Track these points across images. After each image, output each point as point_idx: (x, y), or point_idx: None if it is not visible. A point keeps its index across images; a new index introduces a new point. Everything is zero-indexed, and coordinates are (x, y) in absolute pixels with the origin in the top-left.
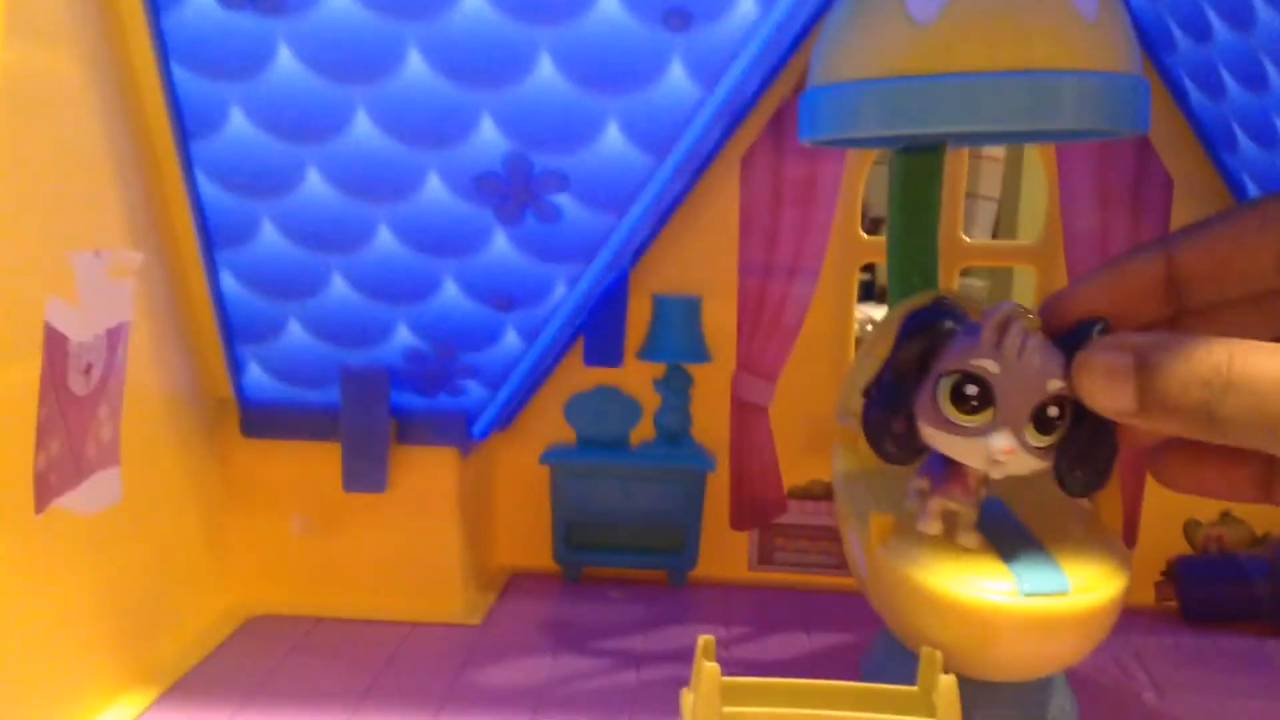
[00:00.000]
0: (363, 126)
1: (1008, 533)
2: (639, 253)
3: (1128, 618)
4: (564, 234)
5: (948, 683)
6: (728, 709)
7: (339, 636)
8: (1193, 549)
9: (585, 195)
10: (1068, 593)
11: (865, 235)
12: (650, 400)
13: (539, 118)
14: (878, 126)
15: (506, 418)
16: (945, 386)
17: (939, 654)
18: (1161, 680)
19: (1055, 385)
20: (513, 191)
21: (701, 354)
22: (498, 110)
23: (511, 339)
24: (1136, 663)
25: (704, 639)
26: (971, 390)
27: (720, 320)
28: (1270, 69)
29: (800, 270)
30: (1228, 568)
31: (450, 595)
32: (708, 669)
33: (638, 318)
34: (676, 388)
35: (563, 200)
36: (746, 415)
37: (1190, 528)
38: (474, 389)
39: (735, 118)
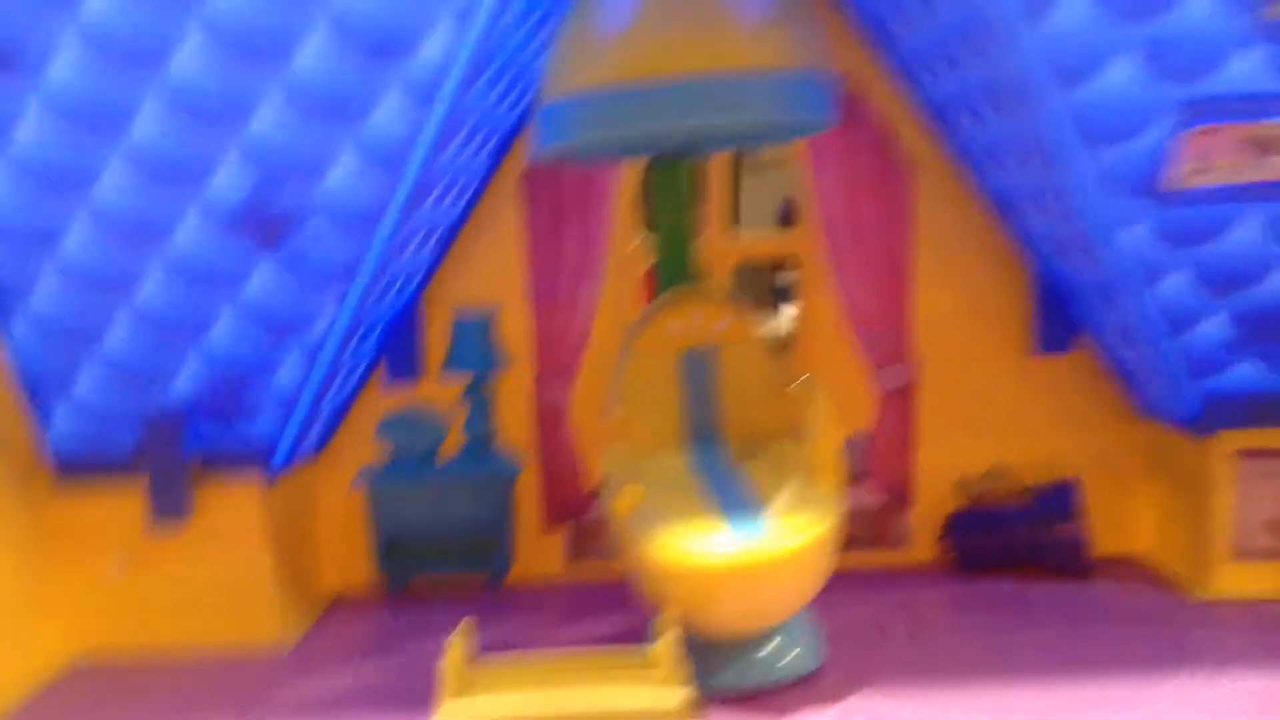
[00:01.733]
0: (116, 173)
1: (732, 490)
2: (430, 275)
3: (911, 574)
4: (320, 259)
5: (666, 640)
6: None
7: (161, 669)
8: (966, 503)
9: (333, 221)
10: (766, 541)
11: (640, 242)
12: (458, 414)
13: (276, 152)
14: (589, 135)
15: (316, 446)
16: None
17: (673, 615)
18: (922, 627)
19: None
20: (265, 222)
21: (500, 364)
22: (240, 148)
23: (292, 365)
24: (902, 613)
25: (462, 624)
26: None
27: (517, 331)
28: (981, 46)
29: (585, 277)
30: (993, 519)
31: (266, 619)
32: (451, 644)
33: (438, 336)
34: (479, 399)
35: (313, 228)
36: (549, 419)
37: (963, 483)
38: (267, 417)
39: (505, 136)
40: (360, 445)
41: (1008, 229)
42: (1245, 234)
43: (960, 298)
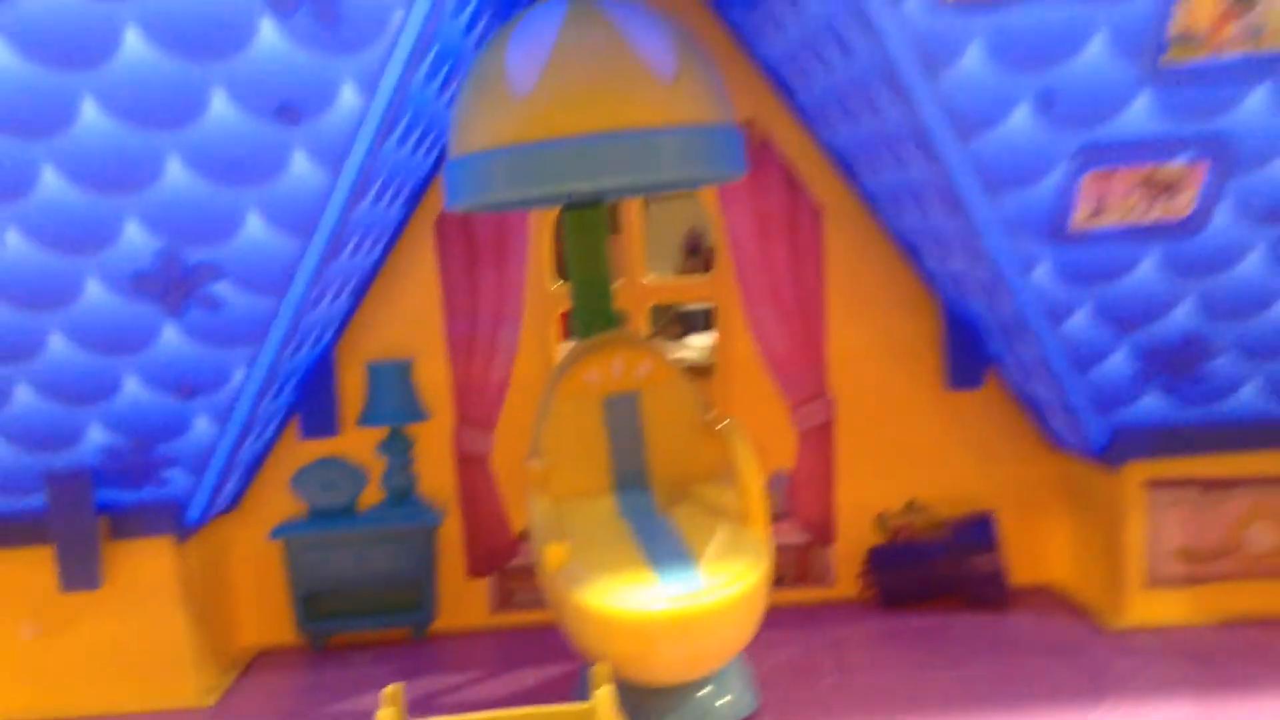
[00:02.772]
0: (14, 241)
1: (661, 538)
2: (344, 325)
3: (835, 610)
4: (229, 320)
5: (603, 694)
6: None
7: None
8: (885, 539)
9: (242, 281)
10: (701, 592)
11: (557, 286)
12: (377, 465)
13: (182, 215)
14: (498, 193)
15: (230, 500)
16: None
17: (608, 667)
18: (849, 663)
19: None
20: (170, 286)
21: (418, 414)
22: (141, 212)
23: (203, 425)
24: (828, 651)
25: (389, 690)
26: None
27: (435, 379)
28: (882, 95)
29: (503, 322)
30: (912, 553)
31: (183, 680)
32: (381, 714)
33: (354, 387)
34: (398, 449)
35: (221, 289)
36: (471, 467)
37: (882, 519)
38: (179, 477)
39: (418, 184)
40: (278, 498)
41: (917, 269)
42: (1144, 272)
43: (873, 336)
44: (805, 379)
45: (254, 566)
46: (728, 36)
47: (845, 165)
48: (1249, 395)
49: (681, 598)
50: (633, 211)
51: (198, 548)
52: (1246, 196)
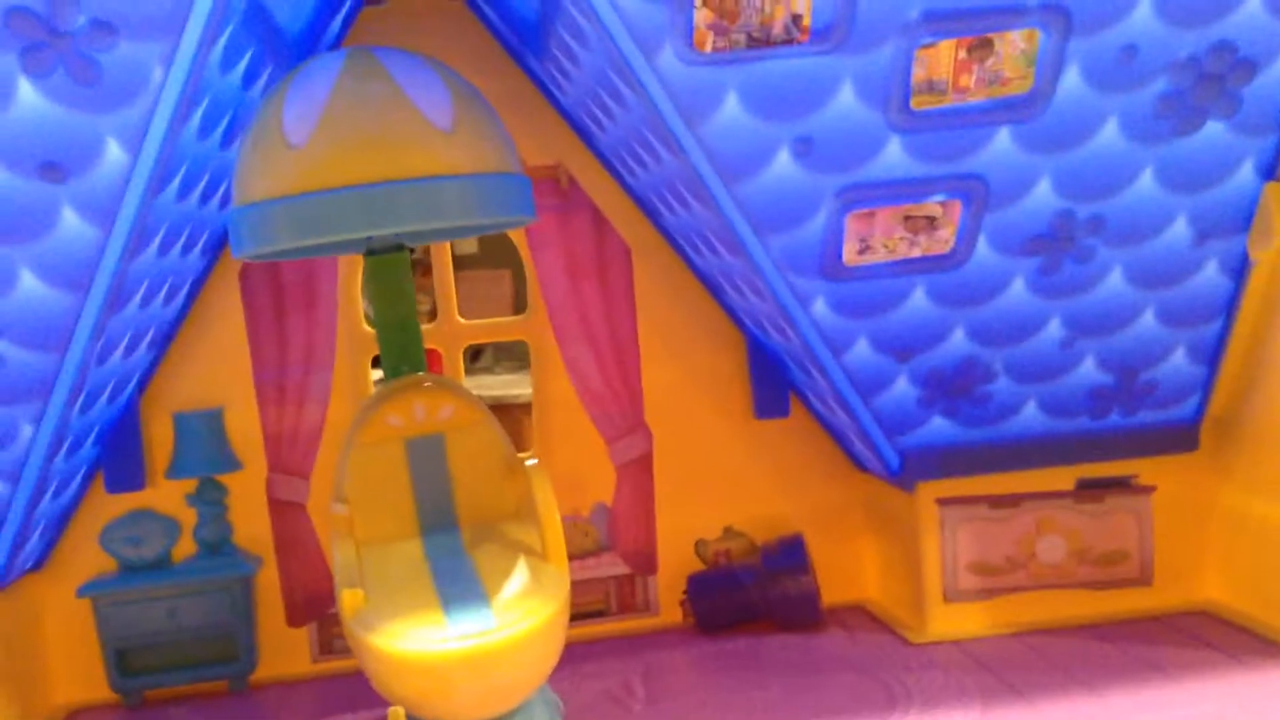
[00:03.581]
0: None
1: (459, 579)
2: (148, 376)
3: (657, 639)
4: (10, 377)
5: None
6: None
7: None
8: (704, 565)
9: (18, 338)
10: (492, 629)
11: (369, 328)
12: (189, 516)
13: None
14: (279, 242)
15: (37, 558)
16: None
17: (402, 711)
18: (659, 690)
19: None
20: None
21: (230, 463)
22: None
23: None
24: (639, 679)
25: None
26: None
27: (246, 427)
28: (655, 144)
29: (314, 368)
30: (726, 579)
31: None
32: None
33: (163, 438)
34: (210, 499)
35: (0, 346)
36: (286, 514)
37: (700, 546)
38: None
39: (217, 233)
40: (89, 553)
41: (720, 305)
42: (915, 303)
43: (684, 370)
44: (621, 413)
45: (66, 624)
46: (530, 85)
47: (646, 207)
48: (1029, 415)
49: (471, 635)
50: (444, 254)
51: (4, 607)
52: (1002, 230)
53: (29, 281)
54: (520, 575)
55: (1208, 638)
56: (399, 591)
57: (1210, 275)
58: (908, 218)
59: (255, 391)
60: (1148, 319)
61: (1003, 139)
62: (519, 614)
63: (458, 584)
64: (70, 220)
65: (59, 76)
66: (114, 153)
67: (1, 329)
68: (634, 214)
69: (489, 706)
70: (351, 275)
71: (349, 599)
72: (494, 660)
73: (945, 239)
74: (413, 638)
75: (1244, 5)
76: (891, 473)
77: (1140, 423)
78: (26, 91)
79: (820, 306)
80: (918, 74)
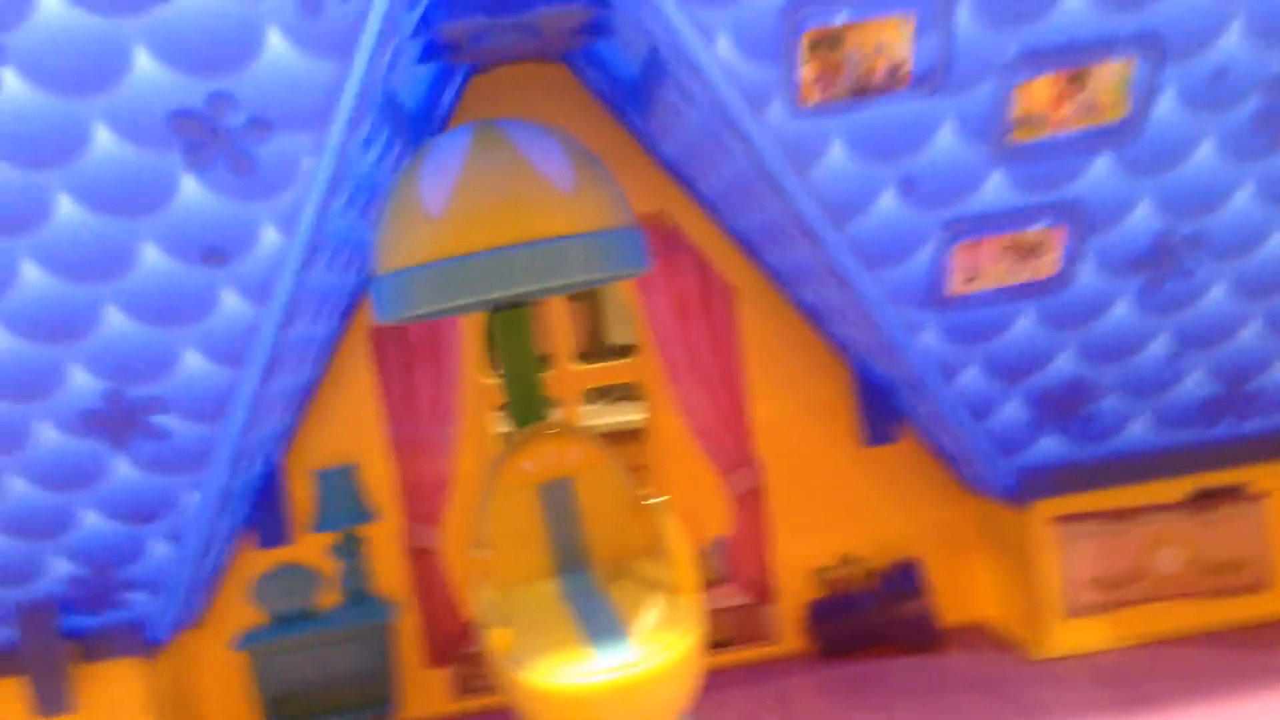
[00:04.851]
0: None
1: (599, 615)
2: (289, 438)
3: (780, 666)
4: (176, 447)
5: None
6: None
7: None
8: (824, 593)
9: (184, 411)
10: (635, 662)
11: (492, 381)
12: (331, 566)
13: (122, 357)
14: (420, 305)
15: (191, 616)
16: None
17: None
18: (792, 714)
19: None
20: (117, 420)
21: (368, 515)
22: (83, 358)
23: (160, 547)
24: (776, 703)
25: None
26: None
27: (381, 480)
28: (763, 190)
29: (442, 419)
30: (846, 605)
31: None
32: None
33: (304, 495)
34: (350, 550)
35: (167, 420)
36: (422, 561)
37: (819, 574)
38: (142, 599)
39: (350, 297)
40: (238, 608)
41: (825, 337)
42: (1023, 327)
43: (792, 402)
44: (732, 447)
45: (221, 676)
46: (631, 137)
47: (750, 247)
48: (1139, 430)
49: (616, 669)
50: (559, 306)
51: (166, 664)
52: (1106, 251)
53: (193, 360)
54: (656, 609)
55: None
56: (544, 630)
57: None
58: (1013, 246)
59: (389, 445)
60: (1254, 328)
61: (1101, 165)
62: (660, 646)
63: (598, 621)
64: (230, 300)
65: (220, 170)
66: (270, 235)
67: (169, 404)
68: (736, 255)
69: None
70: (473, 331)
71: (499, 638)
72: (639, 692)
73: (1050, 264)
74: (564, 672)
75: None
76: (1005, 493)
77: (1251, 431)
78: (189, 185)
79: (930, 335)
80: (1016, 109)
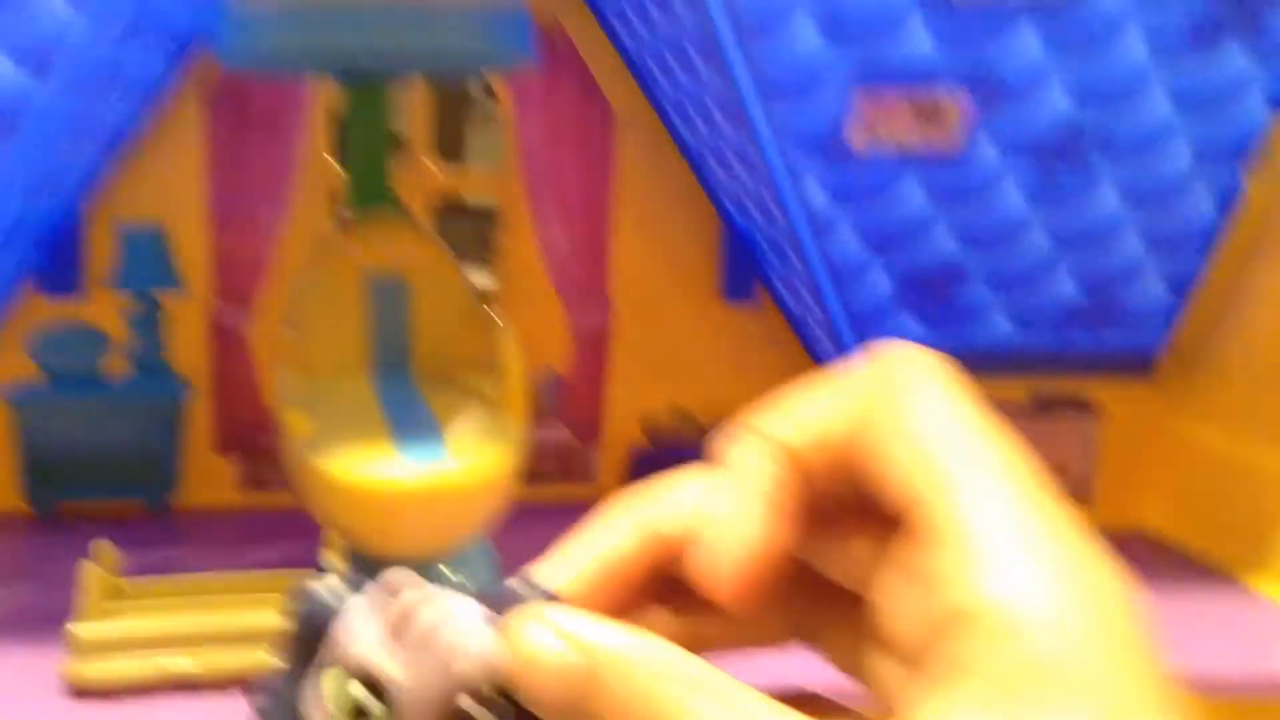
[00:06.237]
0: None
1: (413, 417)
2: (94, 179)
3: (593, 506)
4: None
5: (335, 561)
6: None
7: None
8: (650, 443)
9: None
10: (444, 466)
11: (335, 163)
12: (120, 333)
13: None
14: (277, 54)
15: None
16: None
17: (345, 538)
18: None
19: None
20: None
21: (173, 281)
22: None
23: None
24: None
25: (98, 545)
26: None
27: (193, 247)
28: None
29: (273, 196)
30: (671, 456)
31: None
32: (87, 564)
33: (101, 249)
34: (148, 319)
35: None
36: (225, 341)
37: (646, 422)
38: None
39: (185, 36)
40: (16, 356)
41: (701, 182)
42: (906, 195)
43: (656, 245)
44: (584, 282)
45: None
46: None
47: (639, 72)
48: (997, 324)
49: (424, 470)
50: (424, 101)
51: None
52: (1007, 129)
53: None
54: (476, 420)
55: (1140, 556)
56: (348, 423)
57: (1199, 203)
58: (914, 106)
59: (207, 212)
60: (1130, 239)
61: (1025, 35)
62: (474, 454)
63: (410, 421)
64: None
65: None
66: None
67: None
68: (623, 79)
69: (434, 542)
70: (321, 110)
71: (295, 421)
72: (444, 497)
73: (948, 134)
74: (366, 466)
75: None
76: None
77: (1102, 344)
78: None
79: (812, 186)
80: None
